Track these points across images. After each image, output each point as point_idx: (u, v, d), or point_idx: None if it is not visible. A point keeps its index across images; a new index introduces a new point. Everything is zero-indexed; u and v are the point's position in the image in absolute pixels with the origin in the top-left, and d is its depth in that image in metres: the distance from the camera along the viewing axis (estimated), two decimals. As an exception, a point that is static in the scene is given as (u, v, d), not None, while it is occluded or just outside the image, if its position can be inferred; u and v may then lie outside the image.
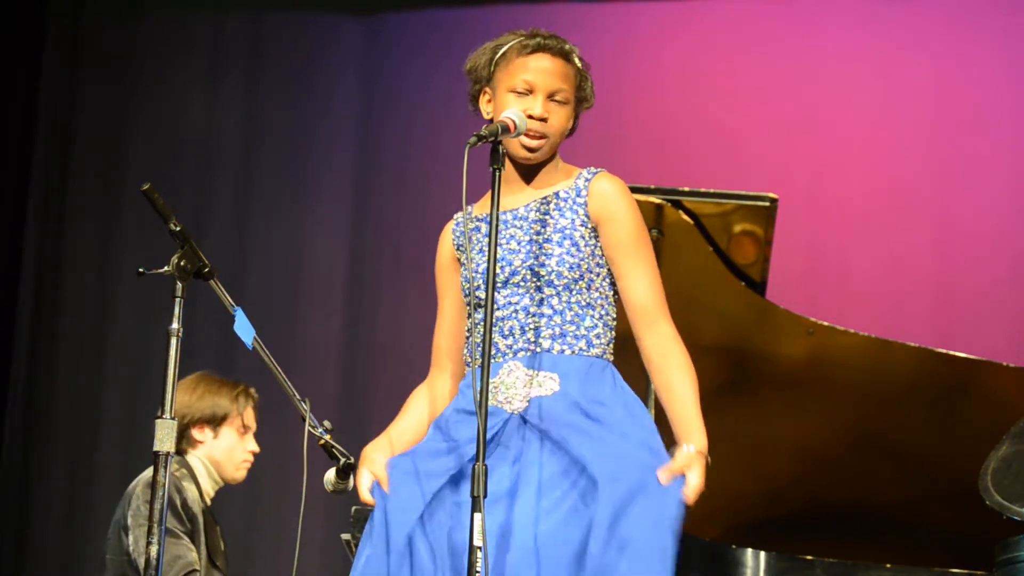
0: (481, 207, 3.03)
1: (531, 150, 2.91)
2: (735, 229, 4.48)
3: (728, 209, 4.43)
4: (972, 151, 6.21)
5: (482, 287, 2.88)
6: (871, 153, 6.31)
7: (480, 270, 2.92)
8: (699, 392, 2.86)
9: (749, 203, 4.43)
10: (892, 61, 6.35)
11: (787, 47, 6.47)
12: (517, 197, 2.97)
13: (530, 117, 2.90)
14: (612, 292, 2.93)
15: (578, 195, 2.92)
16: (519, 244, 2.91)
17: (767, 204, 4.42)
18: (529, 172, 2.97)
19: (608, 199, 2.92)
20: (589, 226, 2.90)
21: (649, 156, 6.16)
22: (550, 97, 2.92)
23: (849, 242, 6.25)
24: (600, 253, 2.91)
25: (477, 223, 3.00)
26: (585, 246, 2.89)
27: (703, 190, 4.40)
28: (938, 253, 6.15)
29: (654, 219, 4.30)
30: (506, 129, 2.84)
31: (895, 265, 6.19)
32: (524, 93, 2.92)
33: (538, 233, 2.90)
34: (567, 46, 2.97)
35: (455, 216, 3.07)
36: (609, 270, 2.92)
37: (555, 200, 2.93)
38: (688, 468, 2.75)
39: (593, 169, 2.97)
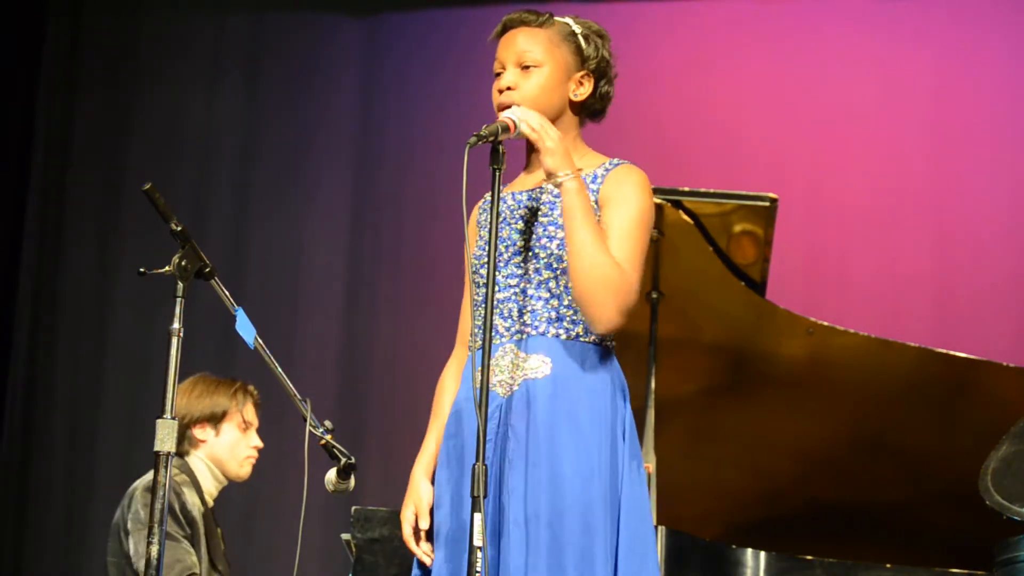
0: (512, 187, 3.01)
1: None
2: (735, 229, 4.47)
3: (728, 209, 4.42)
4: (972, 151, 6.21)
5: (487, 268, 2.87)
6: (871, 153, 6.31)
7: (488, 251, 2.89)
8: (584, 234, 2.76)
9: (749, 203, 4.43)
10: (892, 60, 6.35)
11: (786, 46, 6.47)
12: (534, 177, 2.96)
13: (499, 92, 2.91)
14: None
15: (593, 181, 2.89)
16: (526, 225, 2.90)
17: (767, 204, 4.41)
18: None
19: (620, 184, 2.88)
20: (597, 213, 2.87)
21: (648, 156, 6.10)
22: (521, 67, 2.92)
23: (849, 242, 6.25)
24: None
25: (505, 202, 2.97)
26: None
27: (703, 190, 4.39)
28: (938, 253, 6.15)
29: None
30: (506, 129, 2.84)
31: (895, 265, 6.19)
32: (498, 76, 2.95)
33: (545, 216, 2.88)
34: (532, 15, 2.95)
35: (485, 195, 3.03)
36: None
37: None
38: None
39: (619, 160, 2.95)
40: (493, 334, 2.86)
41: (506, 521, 2.75)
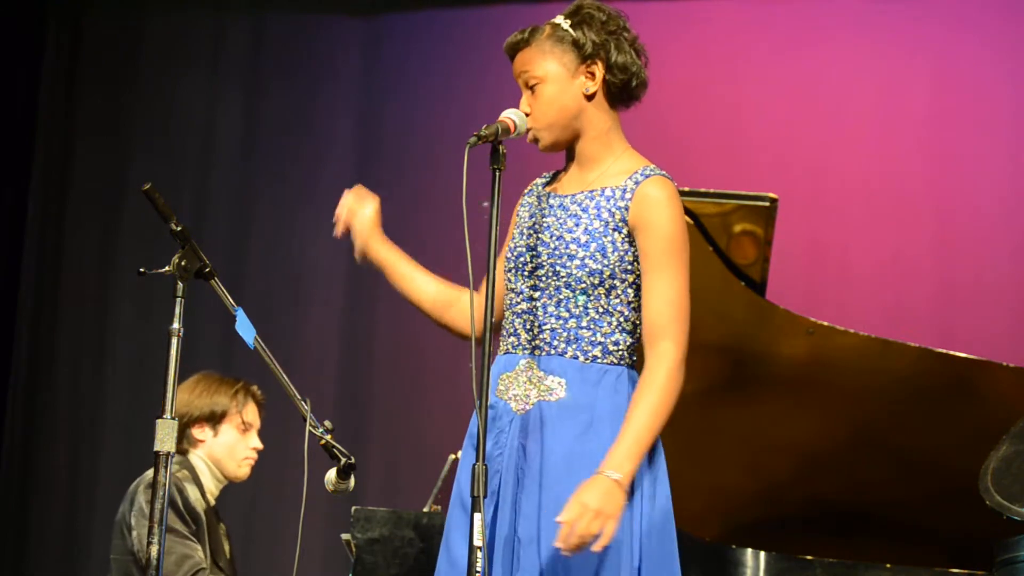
0: (554, 185, 2.99)
1: (536, 143, 2.91)
2: (735, 229, 4.47)
3: (728, 209, 4.42)
4: (970, 150, 6.21)
5: (513, 272, 2.88)
6: (871, 152, 6.31)
7: (514, 254, 2.91)
8: (659, 422, 2.75)
9: (749, 203, 4.43)
10: (891, 60, 6.35)
11: (787, 48, 6.47)
12: (572, 182, 2.95)
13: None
14: (637, 299, 2.86)
15: (623, 196, 2.86)
16: (550, 236, 2.88)
17: (767, 204, 4.41)
18: (583, 157, 2.94)
19: (649, 206, 2.85)
20: (624, 231, 2.85)
21: (648, 156, 6.14)
22: (530, 88, 2.91)
23: (849, 242, 6.25)
24: (630, 259, 2.84)
25: (538, 195, 2.98)
26: (613, 252, 2.84)
27: (703, 190, 4.39)
28: (938, 251, 6.15)
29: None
30: (506, 130, 2.84)
31: (895, 263, 6.19)
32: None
33: (570, 230, 2.86)
34: (519, 36, 2.92)
35: (535, 181, 3.03)
36: (637, 277, 2.86)
37: (599, 197, 2.88)
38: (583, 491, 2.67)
39: (649, 170, 2.90)
40: (514, 341, 2.87)
41: (518, 543, 2.76)
